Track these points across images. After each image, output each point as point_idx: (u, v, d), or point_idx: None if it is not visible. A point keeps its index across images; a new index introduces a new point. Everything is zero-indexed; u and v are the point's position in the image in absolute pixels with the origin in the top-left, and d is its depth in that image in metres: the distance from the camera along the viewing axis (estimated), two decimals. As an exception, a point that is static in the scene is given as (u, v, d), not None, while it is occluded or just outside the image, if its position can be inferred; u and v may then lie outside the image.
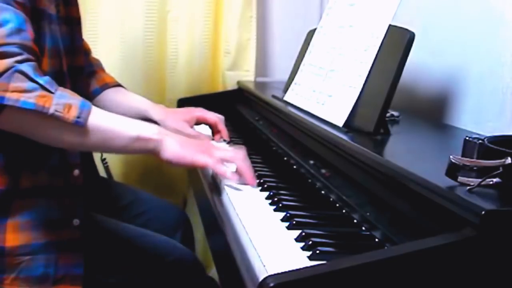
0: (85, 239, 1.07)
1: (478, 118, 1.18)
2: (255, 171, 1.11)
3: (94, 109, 0.96)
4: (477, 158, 0.72)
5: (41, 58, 1.01)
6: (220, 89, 1.95)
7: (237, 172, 1.04)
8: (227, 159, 1.03)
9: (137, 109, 1.37)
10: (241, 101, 1.79)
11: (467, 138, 0.76)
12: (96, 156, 1.45)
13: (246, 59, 1.93)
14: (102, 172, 1.50)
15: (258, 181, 1.06)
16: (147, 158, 1.89)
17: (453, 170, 0.72)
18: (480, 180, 0.69)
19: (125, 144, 0.99)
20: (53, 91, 0.91)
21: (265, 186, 1.03)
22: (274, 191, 1.00)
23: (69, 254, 1.06)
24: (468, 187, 0.69)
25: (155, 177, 1.91)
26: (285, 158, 1.25)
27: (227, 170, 1.01)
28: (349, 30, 1.23)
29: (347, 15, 1.27)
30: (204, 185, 1.15)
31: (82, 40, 1.27)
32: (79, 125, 0.93)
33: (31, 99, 0.88)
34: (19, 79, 0.88)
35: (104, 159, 1.52)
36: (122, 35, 1.80)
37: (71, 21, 1.19)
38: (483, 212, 0.63)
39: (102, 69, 1.43)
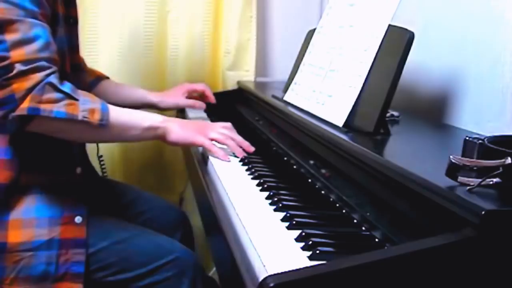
0: (87, 236, 1.08)
1: (478, 118, 1.18)
2: (255, 171, 1.11)
3: (111, 108, 1.09)
4: (477, 158, 0.72)
5: None
6: (220, 89, 1.95)
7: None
8: (217, 139, 1.20)
9: (135, 96, 1.53)
10: (241, 101, 1.79)
11: (467, 138, 0.76)
12: (92, 153, 1.45)
13: (246, 59, 1.93)
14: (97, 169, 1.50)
15: (258, 181, 1.06)
16: (145, 156, 1.89)
17: (453, 170, 0.72)
18: (480, 180, 0.69)
19: (139, 134, 1.15)
20: (77, 98, 1.03)
21: (265, 186, 1.03)
22: (274, 191, 1.00)
23: (71, 252, 1.07)
24: (468, 187, 0.69)
25: (154, 176, 1.91)
26: (285, 158, 1.25)
27: (219, 151, 1.18)
28: (349, 30, 1.23)
29: (347, 15, 1.27)
30: (204, 185, 1.15)
31: (78, 38, 1.31)
32: (103, 126, 1.06)
33: (61, 108, 1.00)
34: (49, 91, 1.00)
35: (101, 156, 1.52)
36: (122, 35, 1.79)
37: (70, 20, 1.21)
38: (483, 212, 0.63)
39: (85, 64, 1.49)
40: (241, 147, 1.22)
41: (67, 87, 1.03)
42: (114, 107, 1.10)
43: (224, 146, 1.21)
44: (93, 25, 1.74)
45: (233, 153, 1.21)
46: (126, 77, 1.77)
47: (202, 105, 1.59)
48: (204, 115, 1.63)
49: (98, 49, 1.76)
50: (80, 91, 1.06)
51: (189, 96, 1.60)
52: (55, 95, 1.00)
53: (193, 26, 1.87)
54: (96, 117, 1.04)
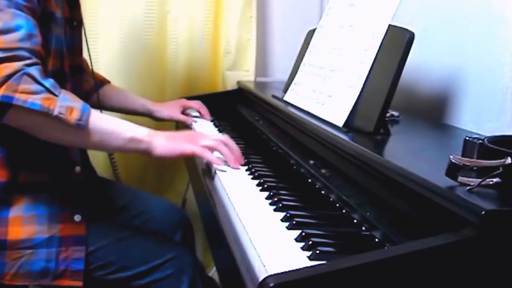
0: (87, 234, 1.09)
1: (478, 118, 1.18)
2: (255, 171, 1.11)
3: (93, 112, 1.04)
4: (477, 158, 0.72)
5: (47, 58, 1.06)
6: (220, 89, 1.95)
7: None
8: (210, 146, 1.12)
9: (134, 102, 1.54)
10: (241, 101, 1.79)
11: (467, 138, 0.76)
12: (103, 155, 1.46)
13: (246, 59, 1.93)
14: (106, 172, 1.50)
15: (258, 181, 1.06)
16: (146, 158, 1.89)
17: (453, 170, 0.72)
18: (480, 180, 0.69)
19: (120, 145, 1.08)
20: (57, 94, 0.98)
21: (265, 186, 1.03)
22: (274, 191, 1.00)
23: (70, 249, 1.08)
24: (468, 187, 0.69)
25: (155, 177, 1.91)
26: (285, 158, 1.25)
27: (212, 156, 1.11)
28: (349, 30, 1.23)
29: (347, 15, 1.27)
30: (204, 185, 1.15)
31: (82, 41, 1.29)
32: (80, 127, 1.00)
33: (37, 100, 0.95)
34: (27, 82, 0.95)
35: (113, 158, 1.53)
36: (122, 35, 1.79)
37: (73, 22, 1.22)
38: (483, 212, 0.63)
39: (88, 66, 1.48)
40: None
41: (48, 82, 0.98)
42: (98, 113, 1.06)
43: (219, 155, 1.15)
44: (93, 25, 1.74)
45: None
46: (126, 77, 1.78)
47: (194, 121, 1.58)
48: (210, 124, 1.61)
49: (98, 49, 1.76)
50: (64, 90, 1.01)
51: (184, 112, 1.61)
52: (33, 86, 0.96)
53: (193, 26, 1.87)
54: (73, 116, 0.99)
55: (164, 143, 1.09)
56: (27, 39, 0.98)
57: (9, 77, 0.94)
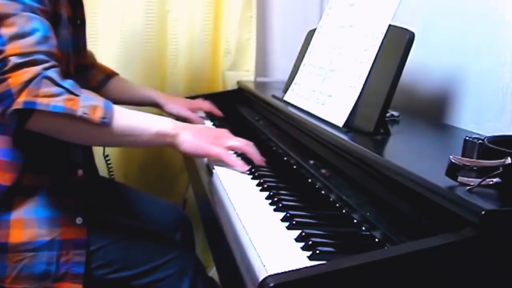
0: (88, 238, 1.09)
1: (478, 118, 1.18)
2: (255, 171, 1.11)
3: (117, 108, 1.03)
4: (477, 158, 0.72)
5: None
6: (220, 89, 1.95)
7: (247, 156, 1.12)
8: (236, 147, 1.11)
9: (143, 95, 1.55)
10: (241, 101, 1.79)
11: (467, 138, 0.76)
12: (97, 154, 1.46)
13: (246, 59, 1.93)
14: (102, 170, 1.50)
15: (258, 181, 1.06)
16: (147, 159, 1.90)
17: (453, 170, 0.72)
18: (480, 180, 0.69)
19: (146, 140, 1.07)
20: (78, 94, 0.98)
21: (265, 186, 1.03)
22: (274, 191, 1.00)
23: (71, 252, 1.07)
24: (468, 187, 0.69)
25: (155, 177, 1.91)
26: (285, 158, 1.25)
27: (236, 161, 1.09)
28: (349, 30, 1.23)
29: (347, 15, 1.27)
30: (204, 185, 1.15)
31: (86, 39, 1.30)
32: (105, 125, 1.00)
33: (59, 102, 0.95)
34: (47, 85, 0.95)
35: (107, 155, 1.53)
36: (122, 35, 1.80)
37: (77, 21, 1.21)
38: (483, 212, 0.63)
39: (95, 59, 1.48)
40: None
41: (67, 83, 0.98)
42: (122, 108, 1.05)
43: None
44: (93, 25, 1.74)
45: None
46: (126, 77, 1.76)
47: (202, 121, 1.56)
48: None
49: (98, 49, 1.76)
50: (83, 89, 1.01)
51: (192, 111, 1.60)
52: (54, 89, 0.95)
53: (193, 26, 1.87)
54: (97, 115, 0.98)
55: (190, 139, 1.08)
56: (43, 42, 0.98)
57: (28, 82, 0.94)
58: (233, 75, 1.93)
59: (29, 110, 0.95)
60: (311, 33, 1.45)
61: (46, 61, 0.97)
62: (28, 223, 1.05)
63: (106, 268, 1.12)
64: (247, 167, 1.09)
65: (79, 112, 0.97)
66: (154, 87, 1.84)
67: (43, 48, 0.97)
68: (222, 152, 1.08)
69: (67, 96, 0.96)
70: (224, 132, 1.15)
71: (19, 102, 0.93)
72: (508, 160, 0.68)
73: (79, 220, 1.09)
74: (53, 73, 0.96)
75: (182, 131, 1.08)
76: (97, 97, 1.02)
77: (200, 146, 1.08)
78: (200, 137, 1.09)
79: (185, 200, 1.90)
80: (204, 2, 1.86)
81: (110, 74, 1.50)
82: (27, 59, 0.95)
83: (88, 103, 0.98)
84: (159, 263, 1.14)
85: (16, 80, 0.94)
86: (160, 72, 1.87)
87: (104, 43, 1.78)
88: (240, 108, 1.76)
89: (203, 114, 1.67)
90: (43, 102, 0.94)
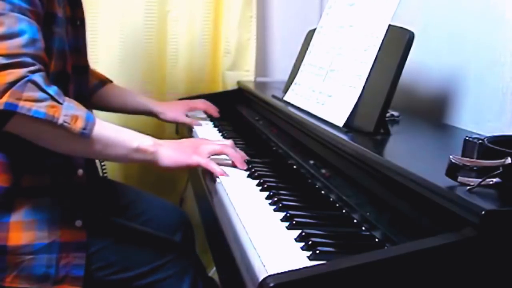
0: (87, 240, 1.08)
1: (478, 118, 1.18)
2: (255, 171, 1.11)
3: (98, 121, 1.02)
4: (477, 158, 0.72)
5: (50, 60, 1.05)
6: (220, 89, 1.96)
7: (230, 159, 1.13)
8: (216, 151, 1.12)
9: (137, 103, 1.53)
10: (241, 101, 1.79)
11: (467, 138, 0.76)
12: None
13: (246, 59, 1.93)
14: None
15: (258, 181, 1.06)
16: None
17: (453, 170, 0.72)
18: (480, 180, 0.69)
19: (125, 154, 1.06)
20: (61, 101, 0.97)
21: (265, 186, 1.03)
22: (274, 191, 1.00)
23: (71, 255, 1.06)
24: (468, 187, 0.69)
25: (155, 177, 1.91)
26: (285, 158, 1.25)
27: (216, 168, 1.08)
28: (349, 30, 1.23)
29: (347, 15, 1.27)
30: (204, 185, 1.15)
31: (86, 40, 1.29)
32: (85, 136, 0.99)
33: (42, 108, 0.94)
34: (31, 89, 0.94)
35: None
36: (122, 35, 1.80)
37: (76, 22, 1.21)
38: (483, 212, 0.63)
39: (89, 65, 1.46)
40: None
41: (52, 89, 0.96)
42: (103, 122, 1.04)
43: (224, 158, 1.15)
44: (93, 25, 1.75)
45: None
46: (126, 77, 1.78)
47: (199, 124, 1.57)
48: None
49: (98, 49, 1.76)
50: (67, 98, 0.99)
51: (191, 111, 1.62)
52: (38, 94, 0.94)
53: (193, 26, 1.87)
54: (78, 125, 0.97)
55: (170, 154, 1.08)
56: (30, 45, 0.96)
57: (12, 84, 0.92)
58: (233, 75, 1.93)
59: (10, 112, 0.93)
60: (311, 33, 1.45)
61: (32, 64, 0.95)
62: (27, 226, 1.04)
63: (106, 269, 1.11)
64: (225, 174, 1.08)
65: (60, 120, 0.95)
66: (154, 87, 1.85)
67: (30, 50, 0.96)
68: (201, 161, 1.08)
69: (50, 102, 0.95)
70: (202, 141, 1.18)
71: (1, 103, 0.91)
72: (508, 160, 0.68)
73: (78, 223, 1.08)
74: (38, 78, 0.95)
75: (160, 148, 1.08)
76: (79, 107, 1.01)
77: (179, 159, 1.08)
78: (180, 150, 1.10)
79: (181, 199, 1.90)
80: (204, 2, 1.86)
81: (105, 80, 1.49)
82: (13, 60, 0.93)
83: (70, 112, 0.97)
84: (159, 264, 1.14)
85: (0, 80, 0.92)
86: (160, 72, 1.87)
87: (104, 43, 1.78)
88: (240, 108, 1.76)
89: (204, 115, 1.67)
90: (25, 106, 0.92)
